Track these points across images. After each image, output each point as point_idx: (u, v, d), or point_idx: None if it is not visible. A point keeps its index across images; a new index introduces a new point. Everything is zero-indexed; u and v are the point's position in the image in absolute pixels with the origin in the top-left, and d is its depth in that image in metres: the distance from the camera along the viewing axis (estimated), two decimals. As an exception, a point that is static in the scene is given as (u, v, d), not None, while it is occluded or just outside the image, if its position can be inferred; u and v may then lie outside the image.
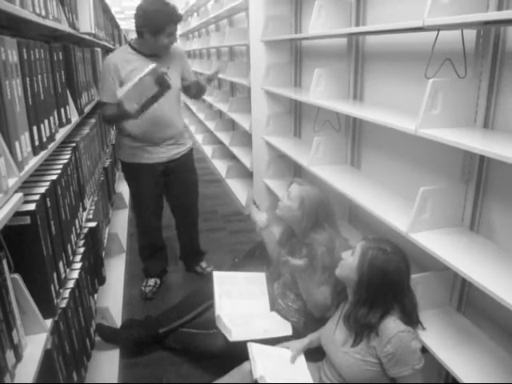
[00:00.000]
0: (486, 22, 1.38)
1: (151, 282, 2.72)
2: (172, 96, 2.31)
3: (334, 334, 1.58)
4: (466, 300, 1.73)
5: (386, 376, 1.45)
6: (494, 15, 1.27)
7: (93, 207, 2.00)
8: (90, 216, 1.90)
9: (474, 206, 1.64)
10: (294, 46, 3.25)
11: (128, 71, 2.25)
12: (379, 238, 1.55)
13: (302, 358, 1.70)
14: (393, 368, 1.41)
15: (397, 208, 1.88)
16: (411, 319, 1.46)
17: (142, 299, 2.64)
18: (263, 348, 1.71)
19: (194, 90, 2.51)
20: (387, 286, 1.45)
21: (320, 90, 2.39)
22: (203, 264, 2.91)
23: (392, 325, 1.42)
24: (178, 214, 2.77)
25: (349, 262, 1.53)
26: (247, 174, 4.21)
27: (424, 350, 1.50)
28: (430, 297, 1.72)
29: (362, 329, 1.47)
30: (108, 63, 2.29)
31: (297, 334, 1.83)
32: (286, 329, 1.84)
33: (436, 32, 1.56)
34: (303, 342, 1.74)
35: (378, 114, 1.88)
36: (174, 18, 2.24)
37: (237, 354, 1.74)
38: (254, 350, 1.69)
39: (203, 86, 2.53)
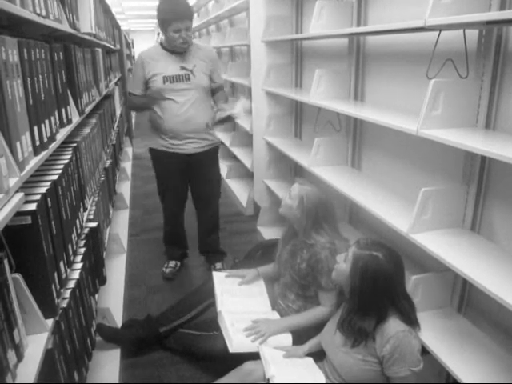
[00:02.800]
0: (488, 22, 1.38)
1: (172, 263, 2.94)
2: (195, 94, 2.51)
3: (335, 335, 1.57)
4: (467, 301, 1.72)
5: (385, 376, 1.45)
6: (496, 15, 1.27)
7: (93, 207, 2.00)
8: (91, 216, 1.90)
9: (475, 206, 1.64)
10: (295, 47, 3.25)
11: (152, 69, 2.48)
12: (371, 242, 1.50)
13: (311, 361, 1.69)
14: (390, 367, 1.41)
15: (398, 209, 1.87)
16: (410, 320, 1.45)
17: (163, 279, 2.87)
18: (275, 351, 1.72)
19: (220, 97, 2.68)
20: (380, 293, 1.44)
21: (321, 91, 2.38)
22: (218, 264, 2.92)
23: (392, 324, 1.42)
24: (198, 207, 2.89)
25: (342, 268, 1.52)
26: (248, 175, 4.21)
27: (424, 351, 1.50)
28: (431, 298, 1.72)
29: (356, 336, 1.47)
30: (138, 60, 2.56)
31: (297, 335, 1.83)
32: (286, 340, 1.82)
33: (437, 32, 1.56)
34: (303, 349, 1.73)
35: (379, 115, 1.88)
36: (175, 14, 2.36)
37: (237, 356, 1.74)
38: (265, 351, 1.70)
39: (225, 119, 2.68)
